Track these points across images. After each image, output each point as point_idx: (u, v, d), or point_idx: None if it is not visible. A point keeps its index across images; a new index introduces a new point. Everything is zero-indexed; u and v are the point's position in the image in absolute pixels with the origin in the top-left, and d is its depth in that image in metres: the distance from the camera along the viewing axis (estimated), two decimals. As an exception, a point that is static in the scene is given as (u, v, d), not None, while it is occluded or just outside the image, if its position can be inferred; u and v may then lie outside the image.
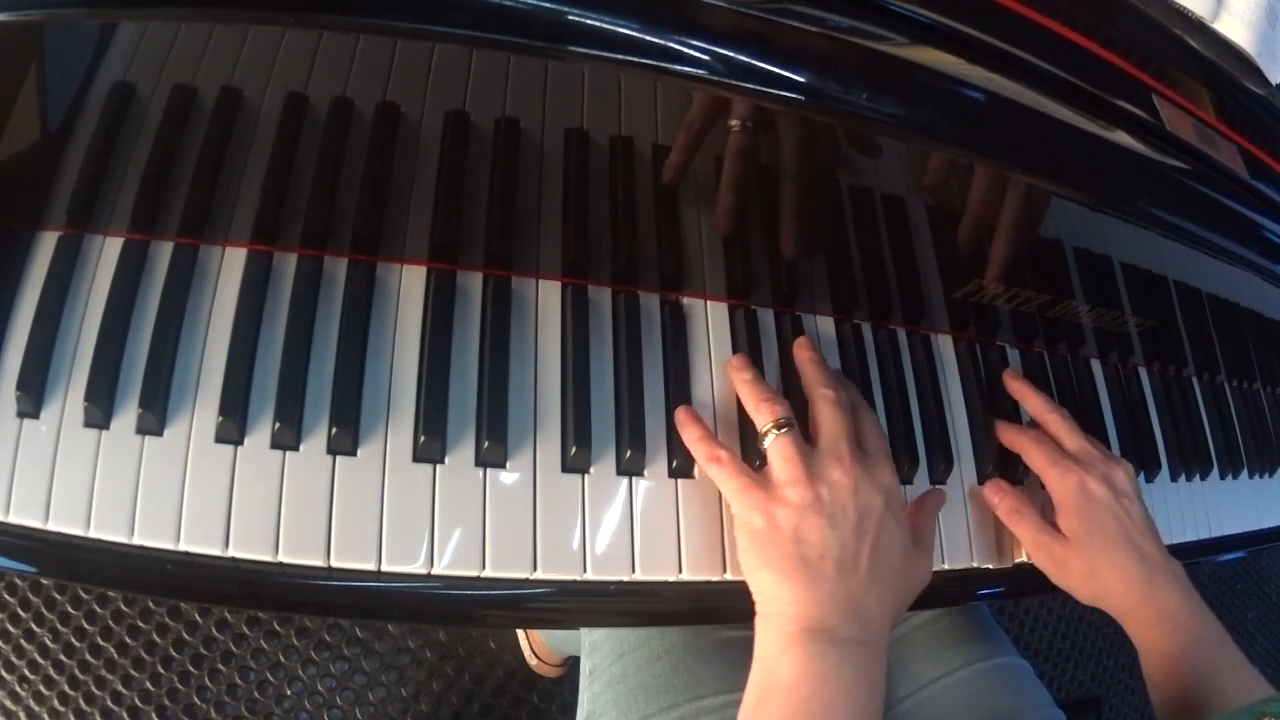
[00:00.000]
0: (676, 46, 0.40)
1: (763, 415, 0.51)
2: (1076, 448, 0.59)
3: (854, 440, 0.51)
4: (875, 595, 0.47)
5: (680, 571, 0.52)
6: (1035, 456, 0.59)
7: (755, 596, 0.48)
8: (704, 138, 0.48)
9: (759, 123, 0.47)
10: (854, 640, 0.45)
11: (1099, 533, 0.56)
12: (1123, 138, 0.50)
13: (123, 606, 1.07)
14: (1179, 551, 0.64)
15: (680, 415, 0.53)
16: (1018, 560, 0.60)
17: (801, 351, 0.57)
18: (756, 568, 0.48)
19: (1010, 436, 0.62)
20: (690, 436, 0.52)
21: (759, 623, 0.47)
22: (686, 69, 0.41)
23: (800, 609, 0.46)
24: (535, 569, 0.50)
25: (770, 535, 0.47)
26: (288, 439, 0.48)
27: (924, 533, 0.54)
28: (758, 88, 0.42)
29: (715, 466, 0.51)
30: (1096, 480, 0.57)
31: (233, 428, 0.47)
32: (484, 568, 0.49)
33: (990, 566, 0.61)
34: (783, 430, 0.50)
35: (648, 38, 0.40)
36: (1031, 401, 0.63)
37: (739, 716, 0.46)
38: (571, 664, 1.17)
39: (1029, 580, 0.64)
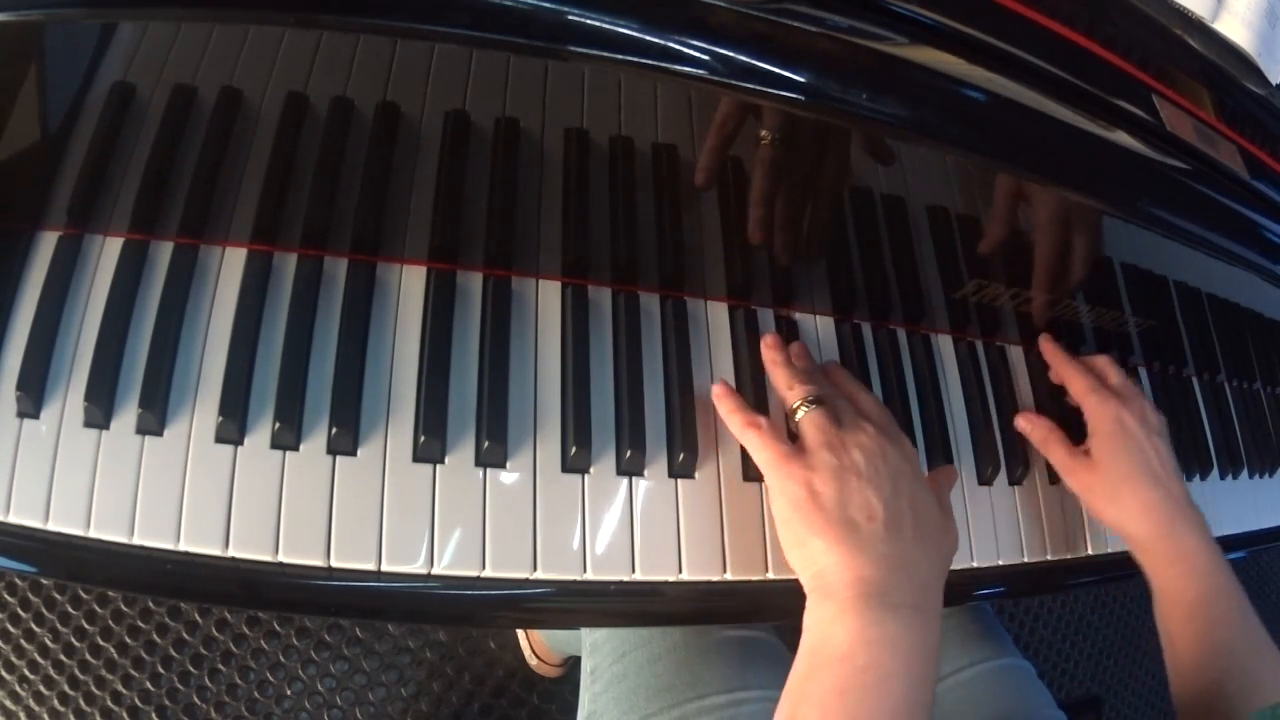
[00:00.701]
0: (676, 46, 0.40)
1: (795, 391, 0.51)
2: (1119, 383, 0.62)
3: (876, 414, 0.52)
4: (925, 556, 0.46)
5: (680, 571, 0.52)
6: (1077, 383, 0.61)
7: (802, 573, 0.46)
8: (734, 139, 0.48)
9: (788, 136, 0.47)
10: (910, 605, 0.44)
11: (1125, 459, 0.57)
12: (1123, 138, 0.50)
13: (123, 606, 1.07)
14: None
15: (717, 388, 0.53)
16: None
17: (793, 347, 0.57)
18: (802, 539, 0.46)
19: (1055, 359, 0.64)
20: (725, 407, 0.52)
21: (810, 602, 0.45)
22: (686, 69, 0.41)
23: (853, 573, 0.44)
24: (535, 569, 0.50)
25: (812, 503, 0.46)
26: (288, 439, 0.48)
27: (944, 501, 0.54)
28: (758, 88, 0.42)
29: (752, 432, 0.50)
30: (1132, 413, 0.59)
31: (233, 428, 0.47)
32: (484, 568, 0.49)
33: (1001, 563, 0.62)
34: (813, 405, 0.50)
35: (648, 38, 0.40)
36: (1062, 358, 0.65)
37: (786, 688, 0.43)
38: (572, 664, 1.17)
39: (1029, 580, 0.64)
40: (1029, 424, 0.62)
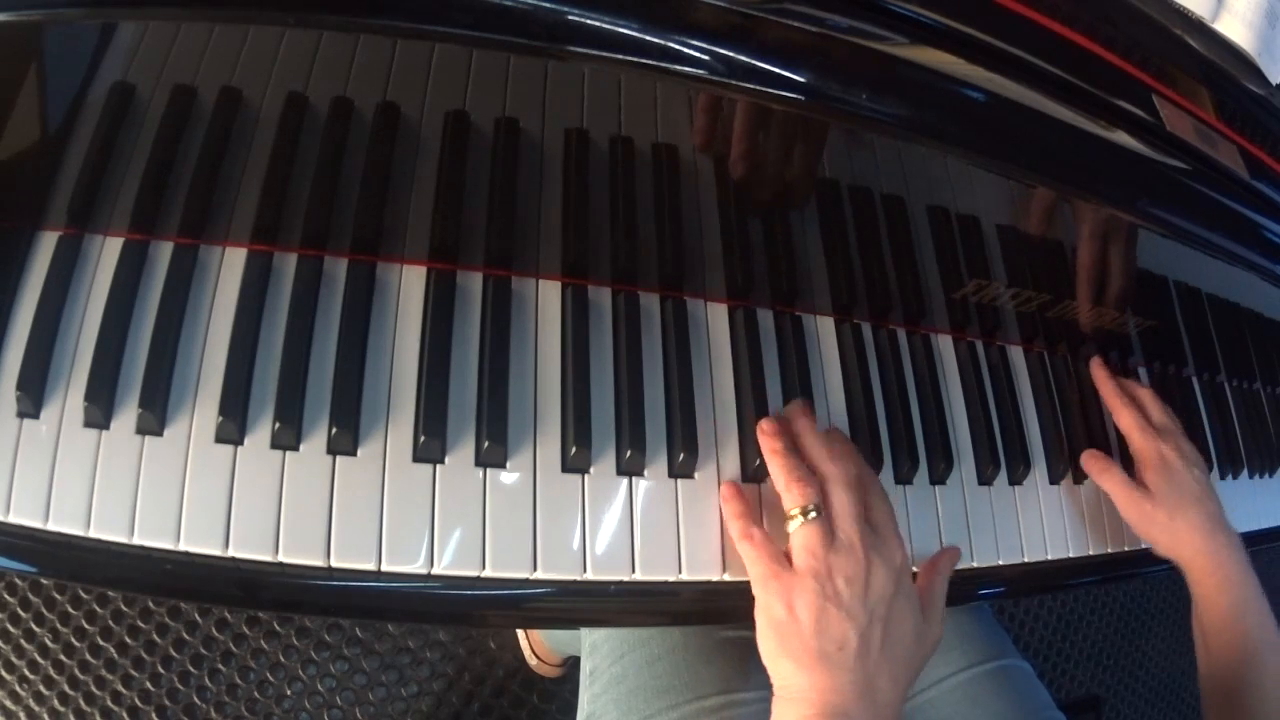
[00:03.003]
0: (676, 46, 0.40)
1: (792, 496, 0.51)
2: (1159, 419, 0.68)
3: (863, 521, 0.52)
4: (889, 677, 0.50)
5: (680, 571, 0.52)
6: (1124, 418, 0.68)
7: (773, 679, 0.50)
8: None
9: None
10: None
11: (1176, 491, 0.64)
12: (1123, 138, 0.50)
13: (123, 606, 1.07)
14: (1179, 551, 0.64)
15: (726, 489, 0.55)
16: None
17: (798, 421, 0.55)
18: (776, 655, 0.50)
19: (1107, 393, 0.69)
20: (730, 510, 0.54)
21: (775, 703, 0.49)
22: (686, 69, 0.41)
23: (819, 695, 0.48)
24: (535, 569, 0.50)
25: (791, 626, 0.49)
26: (288, 439, 0.48)
27: (935, 595, 0.56)
28: (758, 88, 0.42)
29: (746, 544, 0.52)
30: (1172, 449, 0.66)
31: (233, 428, 0.47)
32: (484, 568, 0.49)
33: (1001, 563, 0.62)
34: (809, 517, 0.50)
35: (648, 38, 0.40)
36: (1124, 380, 0.71)
37: None
38: (571, 664, 1.17)
39: (1029, 580, 0.64)
40: (1091, 456, 0.67)
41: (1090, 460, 0.67)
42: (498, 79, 0.45)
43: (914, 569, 0.57)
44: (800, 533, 0.50)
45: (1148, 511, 0.64)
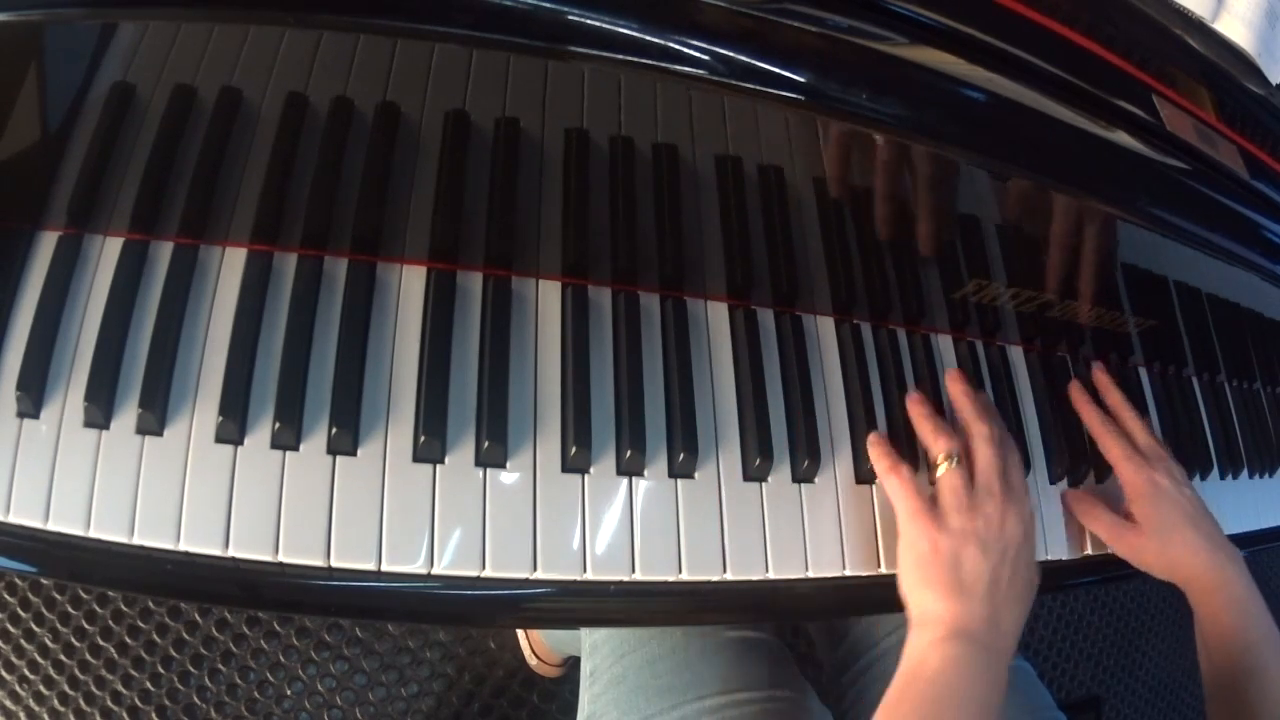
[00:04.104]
0: (676, 46, 0.40)
1: (939, 446, 0.58)
2: (1146, 444, 0.66)
3: (1004, 476, 0.57)
4: (1011, 612, 0.55)
5: (680, 571, 0.52)
6: (1111, 449, 0.66)
7: (912, 609, 0.54)
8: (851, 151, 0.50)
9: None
10: (992, 648, 0.52)
11: (1168, 517, 0.63)
12: (1123, 138, 0.50)
13: (123, 606, 1.07)
14: (1179, 551, 0.64)
15: (872, 436, 0.59)
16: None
17: (955, 385, 0.63)
18: (918, 585, 0.54)
19: (1091, 421, 0.68)
20: (876, 452, 0.59)
21: (913, 629, 0.54)
22: (686, 69, 0.41)
23: (952, 619, 0.52)
24: (535, 569, 0.50)
25: (933, 559, 0.54)
26: (288, 439, 0.48)
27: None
28: (758, 88, 0.42)
29: (894, 478, 0.57)
30: (1162, 474, 0.64)
31: (233, 428, 0.47)
32: (484, 568, 0.49)
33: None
34: (953, 463, 0.57)
35: (648, 38, 0.40)
36: (1112, 397, 0.70)
37: (885, 699, 0.52)
38: (572, 664, 1.17)
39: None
40: (1075, 497, 0.67)
41: (1075, 503, 0.67)
42: (498, 79, 0.45)
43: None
44: (945, 477, 0.56)
45: (1138, 545, 0.63)
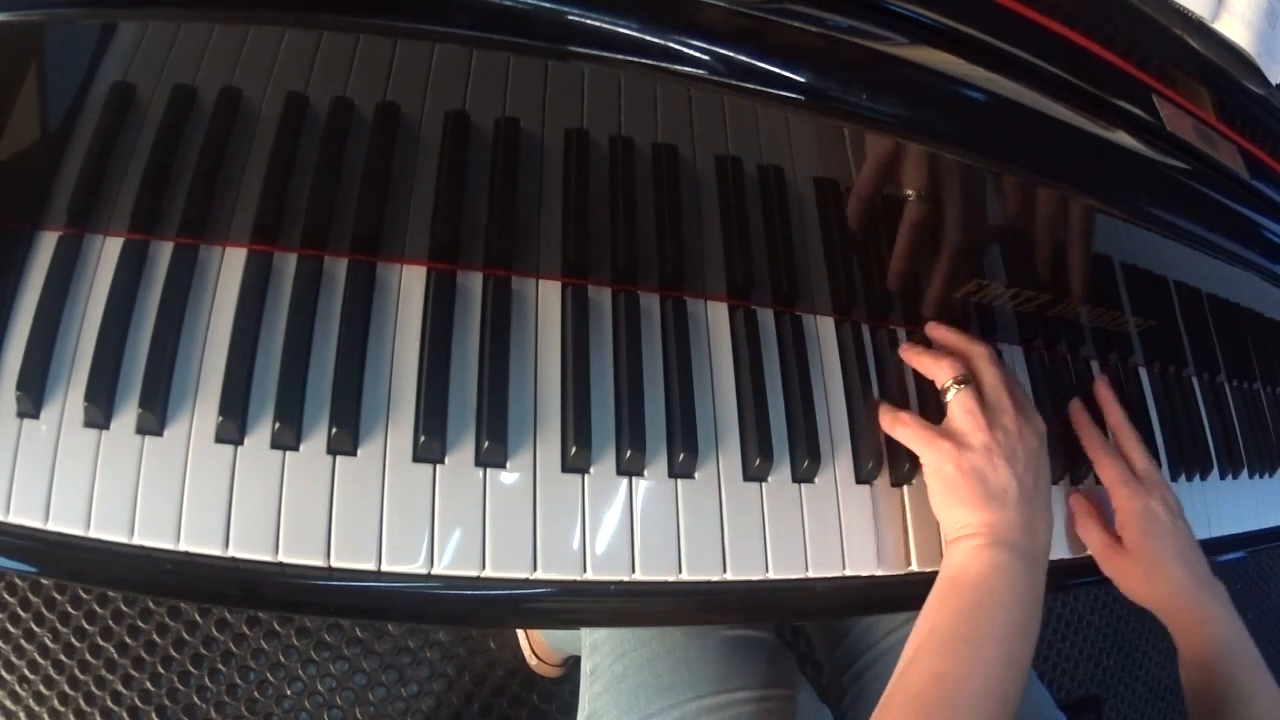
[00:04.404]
0: (676, 46, 0.40)
1: (943, 372, 0.58)
2: (1144, 470, 0.66)
3: (1013, 391, 0.58)
4: (1043, 518, 0.57)
5: (680, 571, 0.52)
6: (1108, 472, 0.65)
7: (947, 529, 0.56)
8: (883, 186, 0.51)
9: (931, 195, 0.51)
10: (1028, 554, 0.54)
11: (1157, 546, 0.63)
12: (1123, 138, 0.50)
13: (123, 606, 1.07)
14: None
15: (882, 405, 0.60)
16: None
17: (937, 329, 0.63)
18: (950, 506, 0.56)
19: (1089, 443, 0.67)
20: (880, 410, 0.60)
21: (949, 546, 0.55)
22: (686, 69, 0.41)
23: (988, 529, 0.54)
24: (535, 569, 0.50)
25: (959, 477, 0.55)
26: (288, 439, 0.48)
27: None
28: (758, 88, 0.42)
29: (900, 427, 0.58)
30: (1158, 502, 0.64)
31: (233, 428, 0.47)
32: (484, 568, 0.49)
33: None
34: (962, 385, 0.58)
35: (648, 38, 0.40)
36: (1113, 415, 0.69)
37: (925, 606, 0.53)
38: (572, 664, 1.17)
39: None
40: (1079, 504, 0.67)
41: (1078, 506, 0.67)
42: (498, 79, 0.45)
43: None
44: (956, 399, 0.57)
45: (1125, 569, 0.63)
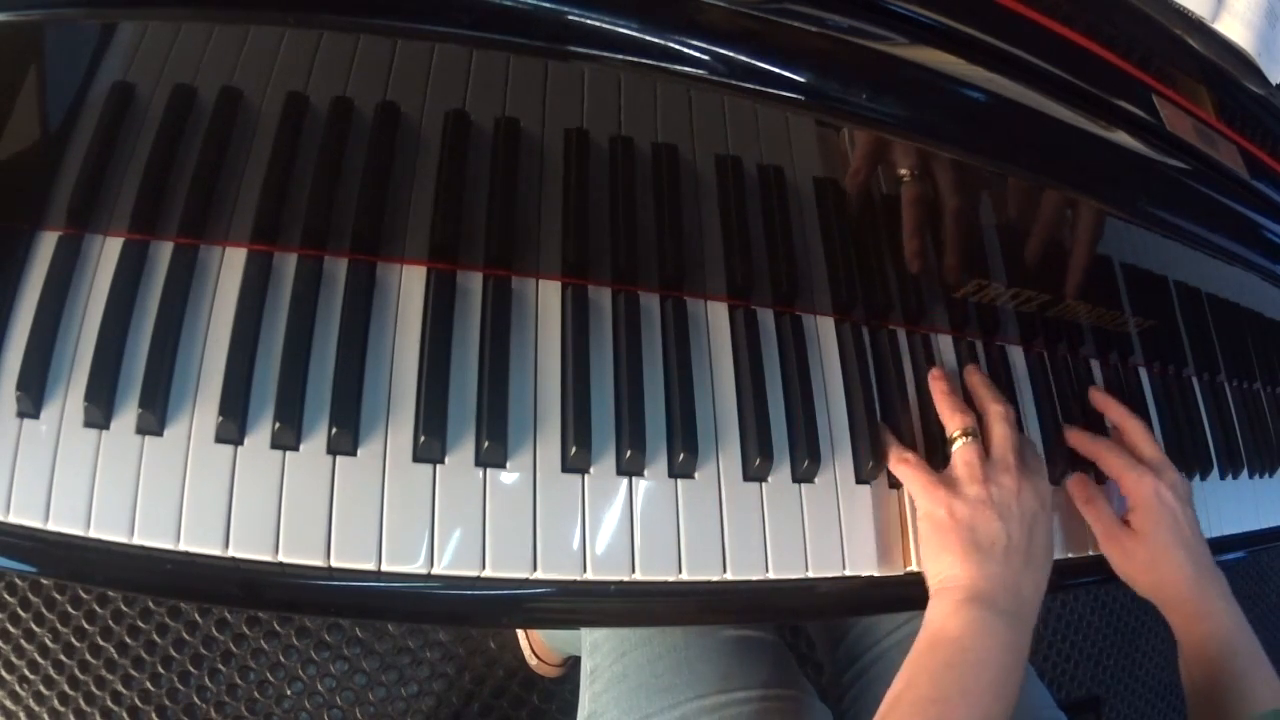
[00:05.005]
0: (676, 46, 0.40)
1: (955, 422, 0.59)
2: (1152, 456, 0.65)
3: (1020, 452, 0.58)
4: (1030, 580, 0.55)
5: (680, 571, 0.52)
6: (1113, 461, 0.65)
7: (931, 578, 0.55)
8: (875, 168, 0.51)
9: (925, 172, 0.50)
10: (1011, 613, 0.53)
11: (1164, 532, 0.62)
12: (1123, 138, 0.50)
13: (123, 606, 1.07)
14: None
15: (892, 441, 0.60)
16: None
17: (973, 376, 0.64)
18: (937, 552, 0.55)
19: (1083, 443, 0.67)
20: (886, 449, 0.60)
21: (932, 598, 0.54)
22: (686, 69, 0.41)
23: (972, 583, 0.53)
24: (535, 569, 0.50)
25: (950, 524, 0.55)
26: (288, 439, 0.48)
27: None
28: (758, 88, 0.42)
29: (903, 467, 0.58)
30: (1167, 487, 0.63)
31: (233, 428, 0.47)
32: (484, 568, 0.49)
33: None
34: (968, 438, 0.58)
35: (648, 38, 0.40)
36: (1114, 411, 0.69)
37: (905, 663, 0.52)
38: (572, 664, 1.17)
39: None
40: (1077, 484, 0.66)
41: (1076, 486, 0.66)
42: (498, 79, 0.45)
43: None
44: (961, 450, 0.58)
45: (1129, 550, 0.63)
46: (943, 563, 0.54)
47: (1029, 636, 0.54)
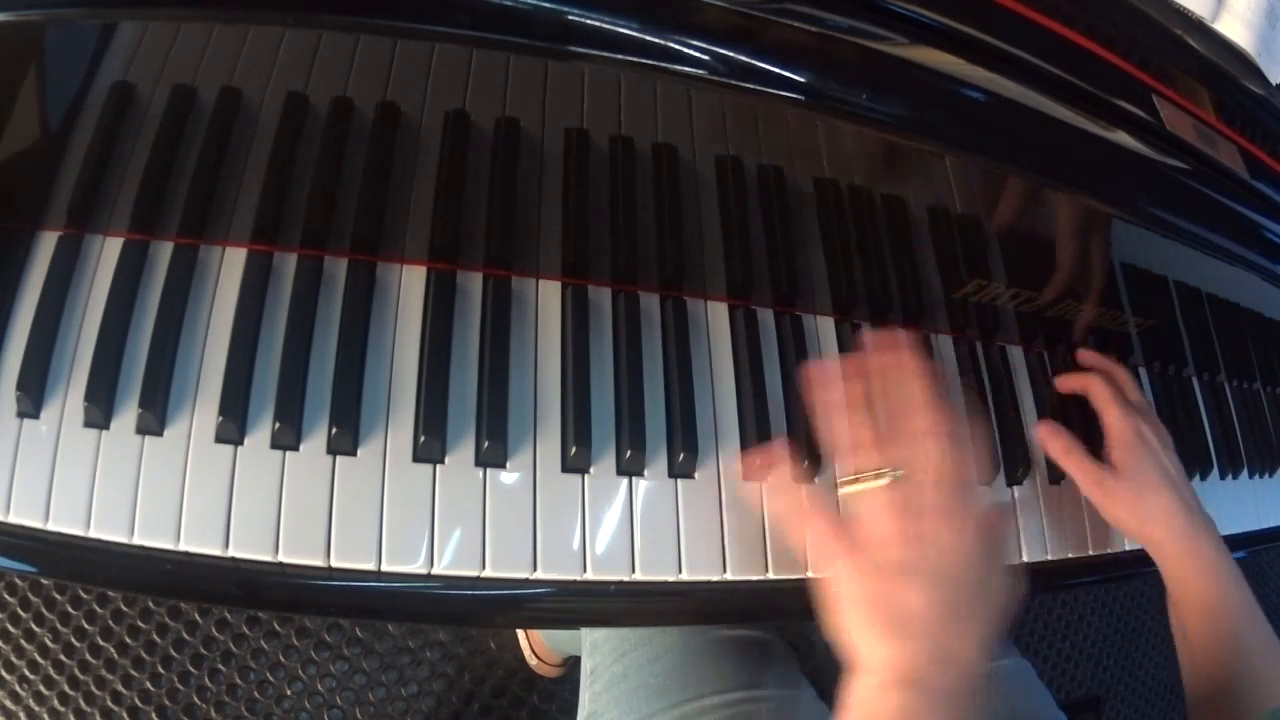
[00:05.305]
0: (676, 46, 0.41)
1: (863, 459, 0.49)
2: (1137, 400, 0.65)
3: (942, 481, 0.48)
4: (966, 644, 0.47)
5: (680, 571, 0.52)
6: (1099, 393, 0.63)
7: (849, 653, 0.47)
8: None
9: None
10: (945, 690, 0.45)
11: (1147, 469, 0.61)
12: (1123, 138, 0.50)
13: (123, 606, 1.07)
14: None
15: (770, 480, 0.54)
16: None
17: (879, 356, 0.53)
18: (855, 627, 0.47)
19: (1071, 381, 0.66)
20: (778, 503, 0.54)
21: (854, 676, 0.47)
22: (686, 69, 0.41)
23: (895, 663, 0.45)
24: (535, 569, 0.50)
25: (870, 600, 0.46)
26: (288, 439, 0.48)
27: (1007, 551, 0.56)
28: (758, 88, 0.42)
29: (810, 528, 0.51)
30: (1150, 428, 0.62)
31: (233, 428, 0.47)
32: (484, 568, 0.49)
33: (1017, 561, 0.62)
34: (876, 483, 0.48)
35: (648, 38, 0.40)
36: (1103, 363, 0.68)
37: None
38: (571, 664, 1.17)
39: (1029, 580, 0.64)
40: (1051, 434, 0.62)
41: (1049, 437, 0.62)
42: (498, 79, 0.45)
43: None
44: (873, 497, 0.48)
45: (1112, 490, 0.60)
46: (860, 639, 0.46)
47: (970, 707, 0.46)
